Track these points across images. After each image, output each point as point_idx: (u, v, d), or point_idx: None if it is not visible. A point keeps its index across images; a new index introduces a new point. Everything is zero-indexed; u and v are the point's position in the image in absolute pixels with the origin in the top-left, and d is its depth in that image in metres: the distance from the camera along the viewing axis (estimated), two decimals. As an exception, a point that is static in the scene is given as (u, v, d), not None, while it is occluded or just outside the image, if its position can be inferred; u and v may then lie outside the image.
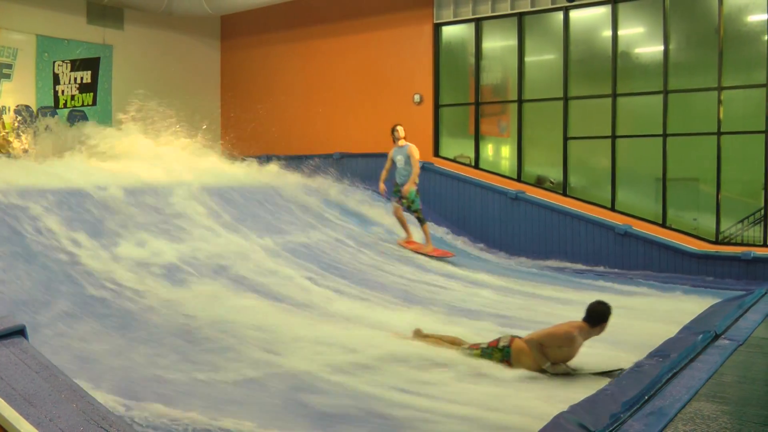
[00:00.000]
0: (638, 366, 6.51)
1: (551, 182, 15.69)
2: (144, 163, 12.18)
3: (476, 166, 16.59)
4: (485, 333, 8.17)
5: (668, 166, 14.25)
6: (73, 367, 5.77)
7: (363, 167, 17.39)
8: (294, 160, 17.95)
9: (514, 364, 6.97)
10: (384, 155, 16.87)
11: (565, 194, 15.32)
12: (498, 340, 7.21)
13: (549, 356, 6.96)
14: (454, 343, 7.52)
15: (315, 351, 7.09)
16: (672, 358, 6.64)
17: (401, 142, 13.60)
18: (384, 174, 13.93)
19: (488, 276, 12.44)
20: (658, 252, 13.67)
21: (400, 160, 13.55)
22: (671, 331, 8.10)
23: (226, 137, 20.50)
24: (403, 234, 13.67)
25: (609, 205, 14.79)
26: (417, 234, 13.75)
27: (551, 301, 10.63)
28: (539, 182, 15.88)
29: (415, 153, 13.48)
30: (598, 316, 7.02)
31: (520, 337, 7.18)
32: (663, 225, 14.15)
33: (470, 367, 6.99)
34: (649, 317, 9.53)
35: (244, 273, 9.85)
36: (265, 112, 19.85)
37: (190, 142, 14.23)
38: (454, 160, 16.85)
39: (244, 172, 14.45)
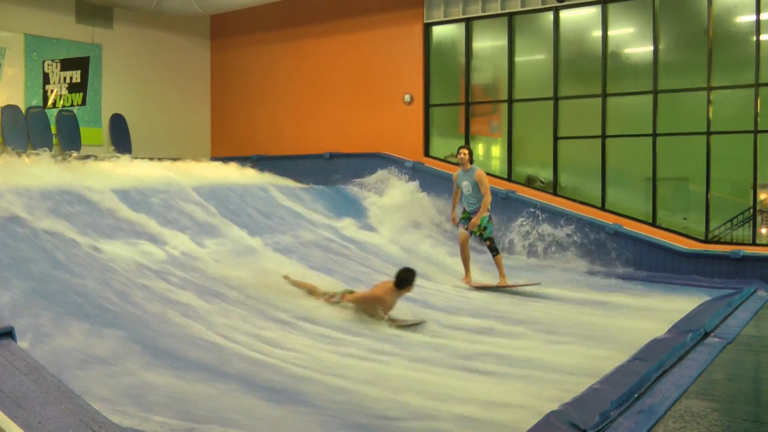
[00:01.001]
0: (628, 364, 6.52)
1: (541, 182, 15.70)
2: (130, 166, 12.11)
3: (466, 166, 16.46)
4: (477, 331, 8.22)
5: (658, 165, 14.28)
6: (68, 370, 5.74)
7: (354, 167, 17.38)
8: (284, 161, 17.96)
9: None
10: (374, 155, 17.06)
11: (555, 194, 15.33)
12: (334, 295, 8.90)
13: (367, 312, 8.61)
14: (312, 291, 9.11)
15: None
16: (661, 357, 6.67)
17: (467, 166, 12.06)
18: (455, 201, 12.56)
19: (476, 274, 12.44)
20: (648, 251, 13.68)
21: (466, 186, 12.04)
22: (661, 329, 8.16)
23: (216, 137, 20.51)
24: (468, 274, 11.98)
25: (599, 205, 14.81)
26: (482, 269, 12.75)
27: (539, 299, 10.67)
28: (529, 182, 15.89)
29: (485, 179, 11.96)
30: (402, 281, 8.69)
31: (351, 292, 8.95)
32: (653, 224, 14.18)
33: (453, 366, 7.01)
34: (639, 316, 9.55)
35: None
36: (255, 112, 19.85)
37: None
38: (444, 160, 16.82)
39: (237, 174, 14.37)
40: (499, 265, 11.78)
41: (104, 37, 18.08)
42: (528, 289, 11.46)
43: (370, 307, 8.66)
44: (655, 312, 9.71)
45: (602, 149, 14.87)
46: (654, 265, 13.53)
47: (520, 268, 13.54)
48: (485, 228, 11.88)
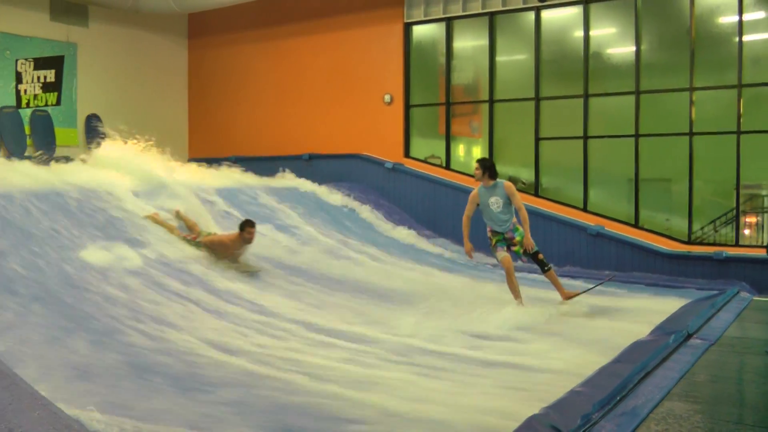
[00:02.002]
0: (610, 366, 6.51)
1: (523, 183, 15.69)
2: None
3: (447, 167, 16.59)
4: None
5: (640, 166, 14.33)
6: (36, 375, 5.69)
7: (333, 168, 17.37)
8: (263, 162, 17.89)
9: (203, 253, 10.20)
10: (354, 156, 17.02)
11: (536, 195, 15.35)
12: (198, 235, 10.42)
13: (218, 255, 10.17)
14: (172, 231, 10.46)
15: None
16: (644, 359, 6.68)
17: (488, 182, 10.27)
18: (466, 227, 10.49)
19: (459, 278, 12.42)
20: (631, 252, 13.73)
21: (495, 202, 10.20)
22: (643, 331, 8.16)
23: (194, 137, 20.42)
24: (516, 299, 10.14)
25: (581, 206, 14.84)
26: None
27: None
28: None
29: (515, 191, 10.32)
30: (239, 227, 10.29)
31: (210, 234, 10.39)
32: (635, 225, 14.22)
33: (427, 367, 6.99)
34: (621, 318, 9.55)
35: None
36: (233, 113, 19.79)
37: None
38: (425, 161, 16.85)
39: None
40: (554, 280, 10.32)
41: (79, 35, 17.97)
42: (505, 288, 10.96)
43: (218, 250, 10.24)
44: (638, 314, 9.72)
45: (584, 150, 14.91)
46: (636, 266, 13.57)
47: (499, 270, 13.40)
48: (528, 241, 10.14)
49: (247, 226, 10.29)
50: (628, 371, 6.24)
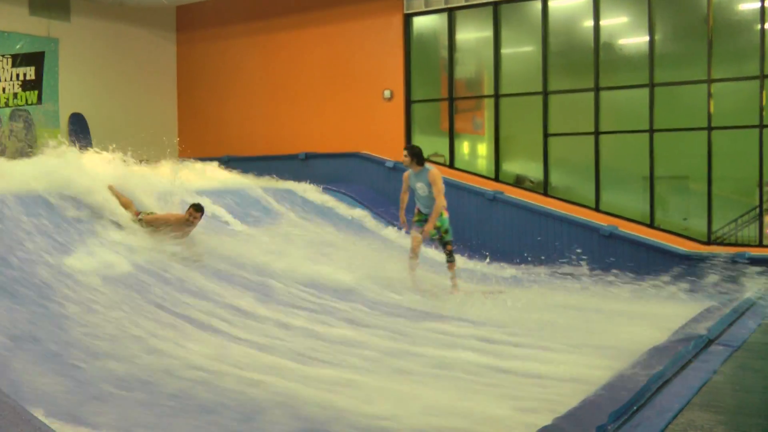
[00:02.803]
0: (626, 374, 6.43)
1: (531, 182, 15.73)
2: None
3: (451, 166, 16.59)
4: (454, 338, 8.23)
5: (656, 163, 14.30)
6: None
7: (331, 168, 17.32)
8: (257, 161, 17.84)
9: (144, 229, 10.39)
10: (352, 155, 17.07)
11: (546, 194, 15.35)
12: (140, 212, 10.55)
13: (160, 232, 10.32)
14: (126, 206, 10.64)
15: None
16: (662, 366, 6.60)
17: (416, 168, 11.48)
18: (403, 202, 11.84)
19: (461, 280, 12.35)
20: (646, 254, 13.70)
21: (421, 188, 11.41)
22: (661, 336, 8.09)
23: (183, 137, 20.37)
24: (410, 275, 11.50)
25: (593, 206, 14.86)
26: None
27: (530, 305, 10.55)
28: (518, 182, 15.92)
29: (439, 180, 11.32)
30: (189, 207, 10.46)
31: (149, 215, 10.54)
32: (651, 225, 14.22)
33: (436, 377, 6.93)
34: (638, 322, 9.47)
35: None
36: (225, 110, 19.77)
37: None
38: (427, 159, 16.50)
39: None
40: (453, 273, 11.46)
41: (61, 30, 17.92)
42: (517, 294, 11.36)
43: (160, 228, 10.41)
44: (655, 318, 9.65)
45: (596, 146, 14.89)
46: (653, 268, 13.46)
47: (510, 274, 13.53)
48: (447, 231, 11.41)
49: (190, 208, 10.53)
50: (646, 379, 6.16)
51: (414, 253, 11.40)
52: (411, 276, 11.36)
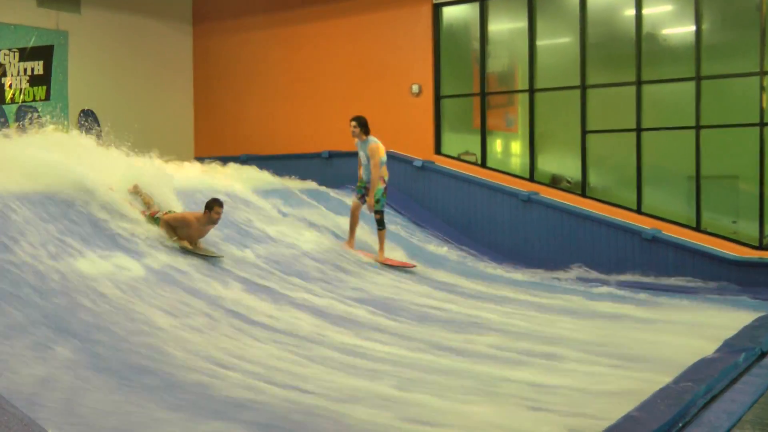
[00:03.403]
0: (670, 388, 6.42)
1: (568, 182, 15.64)
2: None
3: (483, 165, 16.48)
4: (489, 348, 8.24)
5: (702, 162, 14.16)
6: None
7: (355, 167, 17.18)
8: (277, 160, 17.80)
9: (161, 230, 10.41)
10: None
11: (584, 195, 15.25)
12: (158, 211, 10.59)
13: (177, 233, 10.32)
14: (148, 203, 10.82)
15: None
16: (710, 379, 6.62)
17: (362, 137, 13.20)
18: (360, 169, 13.46)
19: (494, 288, 12.41)
20: (692, 259, 13.58)
21: (363, 157, 13.25)
22: (708, 348, 8.10)
23: (200, 134, 20.39)
24: (351, 239, 13.32)
25: (634, 207, 14.73)
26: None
27: (567, 314, 10.58)
28: (555, 182, 15.83)
29: (377, 152, 13.00)
30: (205, 205, 10.42)
31: (169, 213, 10.56)
32: (697, 229, 14.08)
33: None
34: (683, 332, 9.45)
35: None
36: (244, 107, 19.76)
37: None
38: (457, 158, 16.78)
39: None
40: (381, 240, 13.02)
41: (71, 22, 17.95)
42: (555, 302, 11.44)
43: (181, 229, 10.37)
44: (702, 328, 9.64)
45: (637, 144, 14.78)
46: (699, 274, 13.41)
47: (545, 281, 13.54)
48: (377, 200, 12.98)
49: (215, 205, 10.46)
50: (692, 394, 6.18)
51: (353, 214, 13.27)
52: (349, 236, 13.29)
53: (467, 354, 8.22)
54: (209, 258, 10.38)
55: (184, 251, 10.24)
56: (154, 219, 10.54)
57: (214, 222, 10.55)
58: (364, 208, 13.11)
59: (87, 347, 6.89)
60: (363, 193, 13.15)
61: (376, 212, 13.00)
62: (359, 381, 7.00)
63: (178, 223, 10.43)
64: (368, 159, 13.04)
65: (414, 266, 12.98)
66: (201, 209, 10.63)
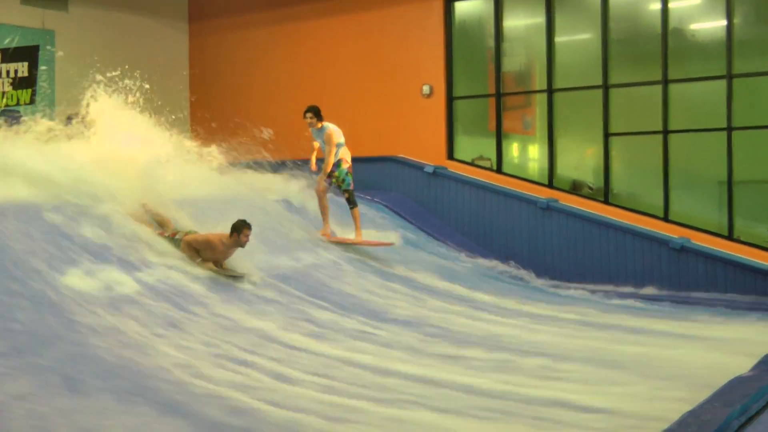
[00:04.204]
0: (703, 409, 6.40)
1: (590, 188, 15.67)
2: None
3: (499, 170, 16.50)
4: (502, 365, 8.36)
5: (734, 165, 14.11)
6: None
7: (363, 174, 17.15)
8: (281, 167, 17.74)
9: (182, 253, 10.51)
10: (388, 159, 17.24)
11: (606, 202, 15.25)
12: (177, 233, 10.66)
13: (200, 255, 10.48)
14: (163, 224, 10.93)
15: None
16: (746, 399, 6.58)
17: (318, 125, 14.25)
18: (314, 150, 14.73)
19: (512, 301, 12.44)
20: (724, 270, 13.52)
21: (321, 144, 14.36)
22: (743, 365, 8.08)
23: (197, 138, 20.34)
24: (326, 226, 14.06)
25: (661, 215, 14.70)
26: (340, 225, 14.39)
27: (590, 329, 10.62)
28: (575, 188, 15.84)
29: (330, 138, 14.04)
30: (232, 228, 10.38)
31: (192, 233, 10.62)
32: (729, 237, 14.03)
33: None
34: (715, 349, 9.44)
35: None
36: (243, 109, 19.71)
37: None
38: (471, 164, 16.81)
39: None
40: (355, 219, 13.99)
41: (57, 21, 18.06)
42: (576, 317, 11.47)
43: (204, 251, 10.51)
44: (736, 344, 9.63)
45: (664, 147, 14.74)
46: (731, 286, 13.38)
47: (565, 294, 13.62)
48: (343, 180, 13.99)
49: (244, 227, 10.44)
50: (725, 415, 6.14)
51: (320, 197, 14.06)
52: (324, 223, 14.07)
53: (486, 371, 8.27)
54: (233, 278, 10.48)
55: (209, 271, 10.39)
56: (173, 240, 10.62)
57: (241, 245, 10.54)
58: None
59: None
60: (329, 174, 14.06)
61: (344, 191, 14.07)
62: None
63: (201, 245, 10.53)
64: (324, 145, 14.19)
65: (391, 244, 13.97)
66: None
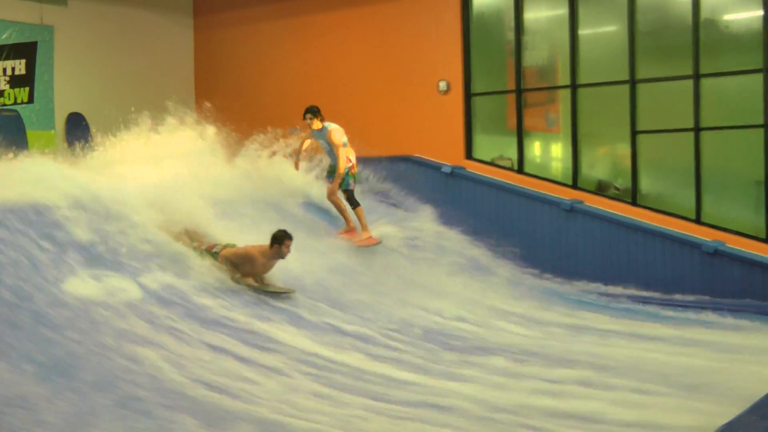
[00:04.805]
0: (740, 422, 6.34)
1: (616, 189, 15.61)
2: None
3: (520, 170, 16.47)
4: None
5: (772, 165, 14.12)
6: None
7: (378, 174, 17.18)
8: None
9: (221, 266, 10.67)
10: (403, 159, 17.21)
11: (634, 204, 15.20)
12: (215, 245, 10.87)
13: (239, 269, 10.60)
14: (195, 236, 11.23)
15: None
16: None
17: (317, 125, 14.45)
18: (300, 147, 15.16)
19: (534, 308, 12.56)
20: (762, 275, 13.44)
21: (324, 145, 14.70)
22: None
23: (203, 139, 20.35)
24: (352, 226, 14.44)
25: (693, 217, 14.63)
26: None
27: (620, 338, 10.67)
28: (601, 189, 15.80)
29: (336, 139, 14.30)
30: (273, 239, 10.52)
31: (230, 247, 10.79)
32: (766, 241, 13.94)
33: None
34: (754, 359, 9.44)
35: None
36: (250, 107, 19.70)
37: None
38: (491, 164, 16.80)
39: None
40: (359, 217, 14.30)
41: (56, 16, 18.06)
42: (606, 326, 11.56)
43: (243, 265, 10.64)
44: None
45: (696, 145, 14.67)
46: None
47: (591, 301, 13.69)
48: (343, 180, 14.30)
49: (285, 238, 10.54)
50: (763, 428, 6.20)
51: (330, 197, 14.49)
52: (346, 222, 14.43)
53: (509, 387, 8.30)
54: (279, 294, 10.62)
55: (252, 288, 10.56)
56: (211, 253, 10.77)
57: (282, 257, 10.64)
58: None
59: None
60: (334, 177, 14.47)
61: (344, 191, 14.35)
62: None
63: (240, 259, 10.62)
64: (329, 145, 14.44)
65: (379, 242, 14.15)
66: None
